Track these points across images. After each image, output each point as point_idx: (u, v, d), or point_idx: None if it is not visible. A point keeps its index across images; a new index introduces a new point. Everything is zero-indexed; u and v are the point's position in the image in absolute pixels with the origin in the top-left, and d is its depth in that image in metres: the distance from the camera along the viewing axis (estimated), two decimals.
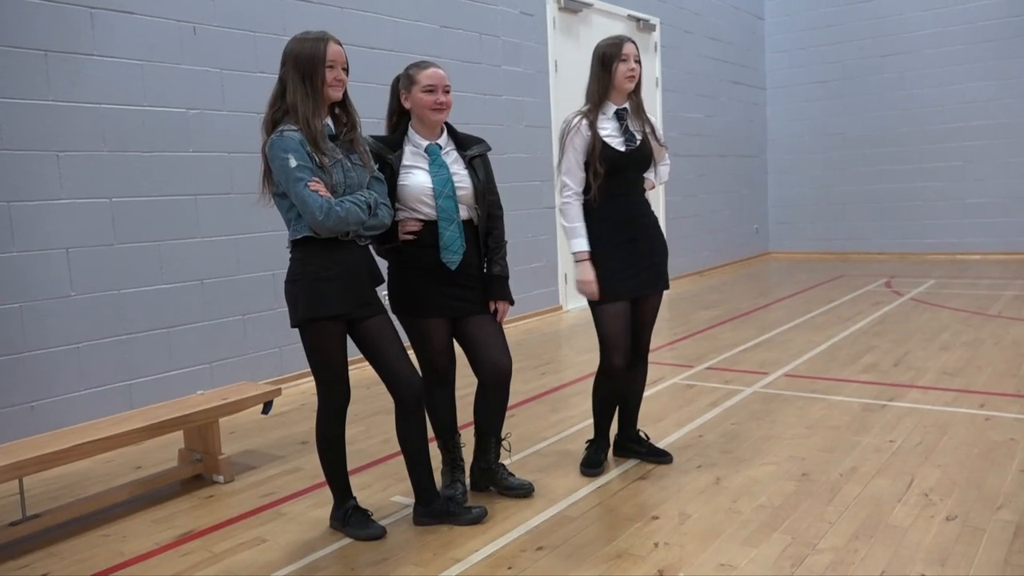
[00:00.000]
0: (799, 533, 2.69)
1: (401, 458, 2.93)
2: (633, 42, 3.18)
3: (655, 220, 3.30)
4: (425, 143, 2.89)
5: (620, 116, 3.18)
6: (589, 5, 7.75)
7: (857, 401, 4.19)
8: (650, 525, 2.81)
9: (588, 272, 3.12)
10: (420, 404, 2.82)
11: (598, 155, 3.08)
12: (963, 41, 9.76)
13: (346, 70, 2.64)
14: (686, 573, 2.47)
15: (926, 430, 3.66)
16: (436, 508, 2.88)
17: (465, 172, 2.90)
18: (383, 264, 2.90)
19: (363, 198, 2.62)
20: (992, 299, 7.00)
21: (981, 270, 8.93)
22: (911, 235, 10.29)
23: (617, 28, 8.23)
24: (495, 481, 3.12)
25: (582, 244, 3.13)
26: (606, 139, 3.12)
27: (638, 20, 8.45)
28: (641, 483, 3.21)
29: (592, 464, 3.33)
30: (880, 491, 2.99)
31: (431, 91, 2.82)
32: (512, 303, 3.06)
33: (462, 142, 2.96)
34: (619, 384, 3.30)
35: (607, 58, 3.13)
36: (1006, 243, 9.68)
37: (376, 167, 2.75)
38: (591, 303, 3.22)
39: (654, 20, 8.70)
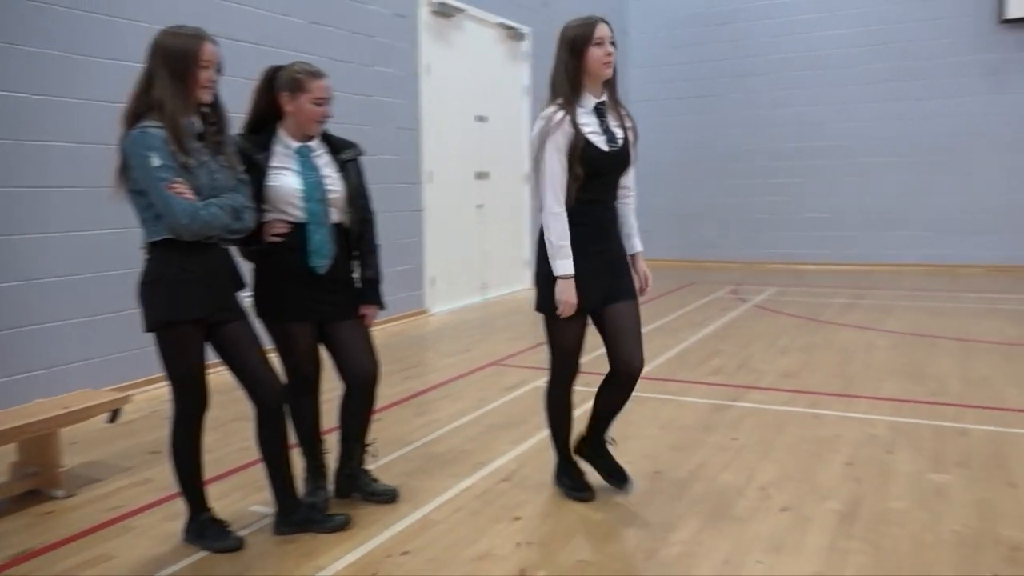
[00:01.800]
0: (652, 527, 2.85)
1: (260, 466, 2.86)
2: (606, 22, 2.78)
3: (619, 232, 3.01)
4: (296, 144, 2.84)
5: (599, 111, 2.82)
6: (462, 11, 7.81)
7: (705, 402, 4.46)
8: (513, 525, 2.89)
9: (572, 293, 2.81)
10: (282, 410, 2.76)
11: (579, 155, 2.73)
12: (806, 67, 10.60)
13: (220, 71, 2.55)
14: (547, 572, 2.55)
15: (765, 428, 3.95)
16: (298, 516, 2.83)
17: (337, 175, 2.87)
18: (246, 267, 2.83)
19: (229, 202, 2.55)
20: (824, 306, 7.63)
21: (815, 279, 9.71)
22: (756, 245, 11.05)
23: (489, 35, 8.34)
24: (359, 487, 3.10)
25: (568, 267, 2.79)
26: (589, 136, 2.76)
27: (509, 28, 8.60)
28: (504, 485, 3.28)
29: (582, 488, 3.10)
30: (724, 486, 3.21)
31: (320, 103, 2.78)
32: (383, 307, 3.05)
33: (335, 145, 2.93)
34: (570, 396, 3.10)
35: (577, 41, 2.73)
36: (838, 254, 10.59)
37: (242, 168, 2.68)
38: (544, 316, 2.96)
39: (525, 29, 8.88)
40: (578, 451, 3.20)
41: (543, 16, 9.27)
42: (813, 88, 10.60)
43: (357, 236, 2.95)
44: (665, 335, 6.31)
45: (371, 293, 3.00)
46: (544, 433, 3.92)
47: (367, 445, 3.11)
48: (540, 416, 4.22)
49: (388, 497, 3.09)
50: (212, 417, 2.73)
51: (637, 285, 3.08)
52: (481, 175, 8.35)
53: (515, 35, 8.75)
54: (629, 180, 3.01)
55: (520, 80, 9.00)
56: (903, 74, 10.09)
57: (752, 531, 2.81)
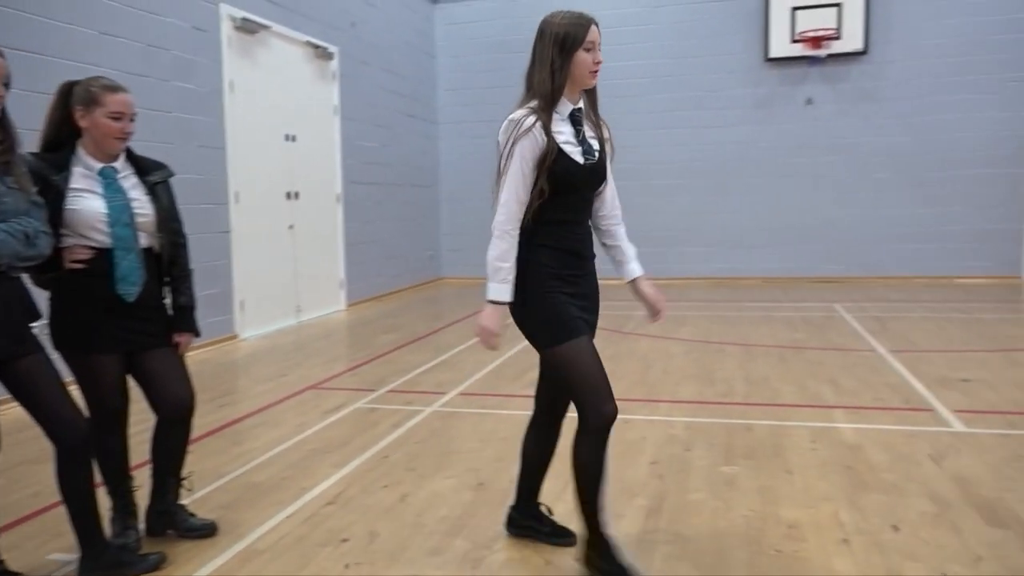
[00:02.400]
0: (478, 537, 2.95)
1: (56, 511, 2.66)
2: (597, 24, 2.45)
3: (593, 257, 2.67)
4: (98, 166, 2.67)
5: (575, 119, 2.52)
6: (266, 27, 7.62)
7: (523, 414, 4.59)
8: (340, 548, 2.88)
9: (497, 320, 2.47)
10: (87, 447, 2.57)
11: (549, 166, 2.40)
12: (602, 95, 11.30)
13: (7, 85, 2.36)
14: None
15: None
16: (106, 559, 2.64)
17: (146, 198, 2.74)
18: (41, 296, 2.62)
19: (20, 227, 2.35)
20: (626, 319, 8.18)
21: (616, 293, 10.31)
22: None
23: (296, 53, 8.20)
24: (174, 523, 2.94)
25: (506, 293, 2.44)
26: (563, 146, 2.44)
27: (317, 47, 8.49)
28: (329, 508, 3.25)
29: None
30: (544, 493, 3.37)
31: (118, 119, 2.63)
32: (198, 334, 2.94)
33: (142, 166, 2.79)
34: (605, 444, 2.62)
35: (568, 41, 2.38)
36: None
37: (35, 190, 2.49)
38: (550, 349, 2.55)
39: (332, 49, 8.81)
40: (513, 523, 2.95)
41: (351, 36, 9.26)
42: (608, 115, 11.26)
43: (169, 261, 2.83)
44: (481, 351, 6.48)
45: (185, 320, 2.88)
46: (368, 454, 3.93)
47: (182, 479, 2.97)
48: (363, 436, 4.22)
49: (206, 531, 2.96)
50: None
51: (650, 311, 2.85)
52: (292, 195, 8.16)
53: (323, 54, 8.66)
54: (614, 206, 2.75)
55: (330, 99, 8.91)
56: (686, 104, 11.10)
57: None
